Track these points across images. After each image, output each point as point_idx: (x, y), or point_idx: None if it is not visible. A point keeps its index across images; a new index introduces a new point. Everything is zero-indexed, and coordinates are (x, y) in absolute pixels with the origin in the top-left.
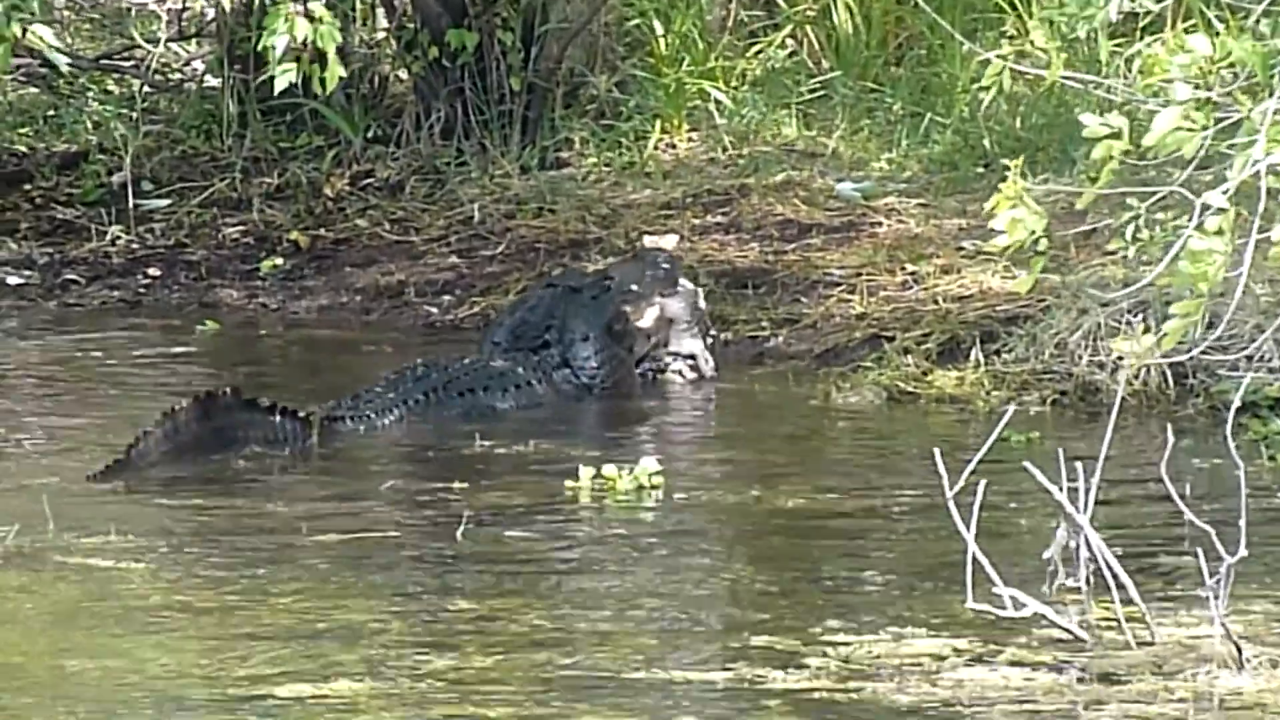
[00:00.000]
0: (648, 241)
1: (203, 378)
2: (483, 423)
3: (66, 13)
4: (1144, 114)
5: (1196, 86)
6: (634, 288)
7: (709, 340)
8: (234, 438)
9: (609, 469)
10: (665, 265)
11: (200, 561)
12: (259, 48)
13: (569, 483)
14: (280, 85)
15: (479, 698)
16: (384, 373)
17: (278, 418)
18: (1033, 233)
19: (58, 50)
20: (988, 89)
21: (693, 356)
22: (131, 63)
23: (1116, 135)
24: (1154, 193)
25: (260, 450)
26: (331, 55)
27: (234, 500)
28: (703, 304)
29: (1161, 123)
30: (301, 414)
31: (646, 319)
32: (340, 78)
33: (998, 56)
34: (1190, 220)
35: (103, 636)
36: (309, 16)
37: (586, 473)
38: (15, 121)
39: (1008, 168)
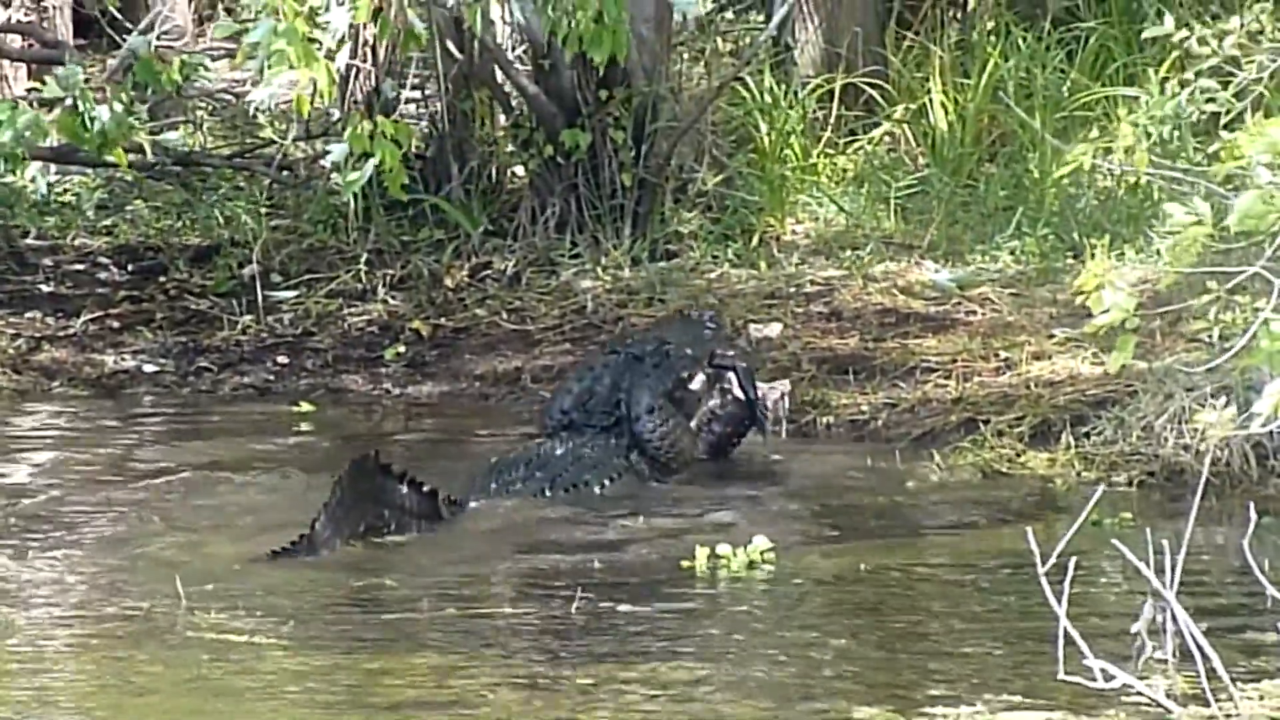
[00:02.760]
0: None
1: (328, 460)
2: (586, 505)
3: (201, 113)
4: (1223, 206)
5: (1276, 169)
6: (689, 351)
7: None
8: (377, 503)
9: (723, 548)
10: (712, 324)
11: (324, 635)
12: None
13: (684, 562)
14: (346, 194)
15: None
16: (489, 459)
17: (406, 489)
18: (1125, 311)
19: (187, 157)
20: (1070, 176)
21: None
22: (261, 160)
23: (1200, 223)
24: (1236, 273)
25: (389, 522)
26: (392, 165)
27: (354, 575)
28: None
29: (1243, 204)
30: (429, 489)
31: (697, 383)
32: (403, 184)
33: (1079, 154)
34: (1269, 301)
35: (234, 707)
36: (372, 134)
37: (702, 552)
38: (151, 216)
39: (1094, 251)
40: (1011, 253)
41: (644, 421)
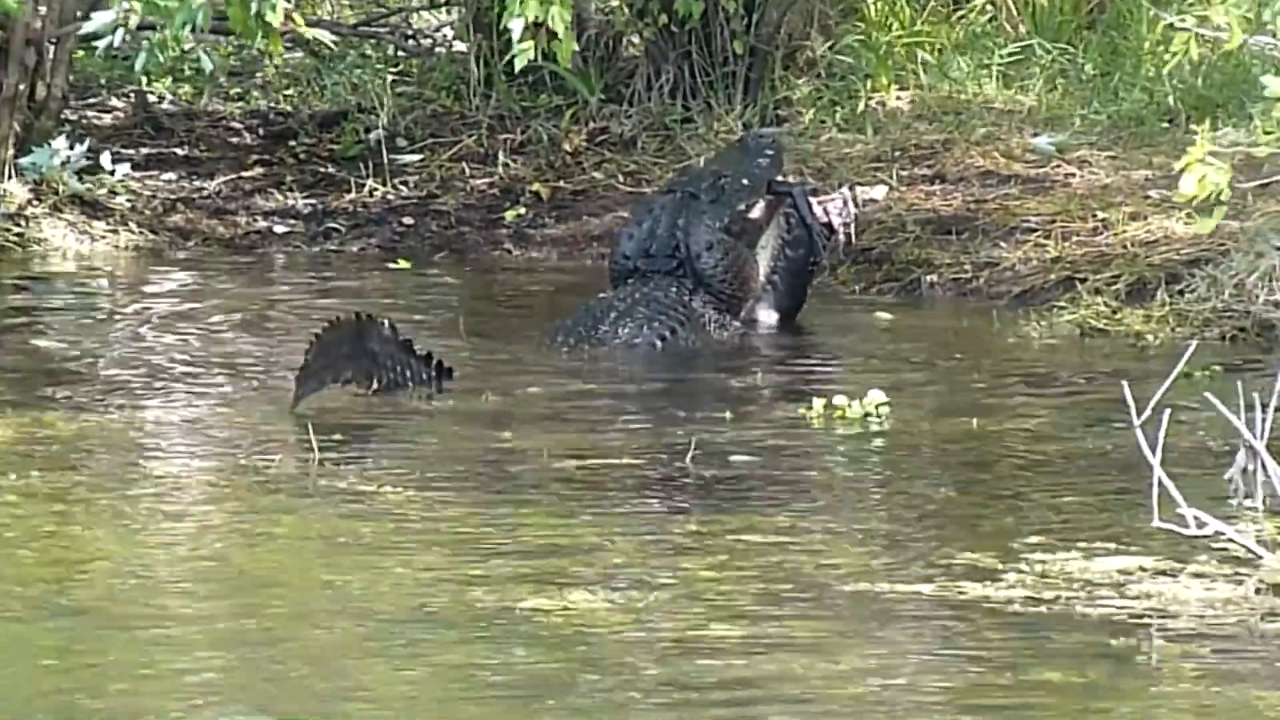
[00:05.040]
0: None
1: (451, 316)
2: (681, 356)
3: None
4: None
5: None
6: (745, 182)
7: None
8: (377, 365)
9: (839, 399)
10: (770, 151)
11: (449, 487)
12: (500, 25)
13: (802, 410)
14: (519, 64)
15: (701, 609)
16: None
17: (413, 359)
18: (1217, 186)
19: (315, 26)
20: (1174, 53)
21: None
22: (387, 29)
23: None
24: None
25: (389, 385)
26: (563, 33)
27: (476, 430)
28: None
29: None
30: (435, 359)
31: (757, 211)
32: (572, 50)
33: (1180, 26)
34: None
35: (362, 556)
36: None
37: (819, 403)
38: (282, 84)
39: (1193, 128)
40: (1109, 117)
41: (704, 259)
